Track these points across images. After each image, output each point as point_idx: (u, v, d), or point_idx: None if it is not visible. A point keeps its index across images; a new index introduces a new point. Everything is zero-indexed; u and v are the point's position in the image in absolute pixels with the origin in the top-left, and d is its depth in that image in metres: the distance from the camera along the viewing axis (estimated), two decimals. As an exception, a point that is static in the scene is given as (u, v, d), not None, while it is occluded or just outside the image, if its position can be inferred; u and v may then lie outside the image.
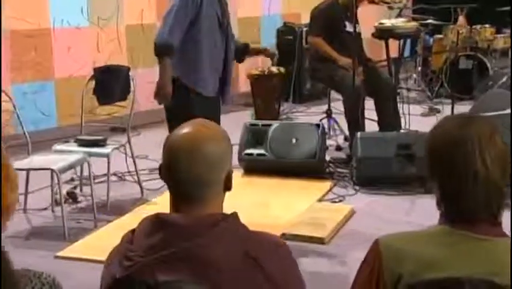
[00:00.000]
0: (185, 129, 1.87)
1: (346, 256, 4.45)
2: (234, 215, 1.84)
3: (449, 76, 9.25)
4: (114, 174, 5.99)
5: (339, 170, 6.21)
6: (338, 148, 6.91)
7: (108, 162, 5.26)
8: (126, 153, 5.63)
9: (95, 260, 4.33)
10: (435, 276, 1.73)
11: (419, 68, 10.11)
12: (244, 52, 4.84)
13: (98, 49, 8.30)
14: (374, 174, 5.72)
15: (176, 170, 1.82)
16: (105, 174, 5.73)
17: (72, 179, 5.95)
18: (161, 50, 4.27)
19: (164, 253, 1.74)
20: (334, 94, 9.79)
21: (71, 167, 5.00)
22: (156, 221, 1.82)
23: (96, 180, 5.86)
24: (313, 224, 4.84)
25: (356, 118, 6.23)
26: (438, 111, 8.62)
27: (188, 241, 1.74)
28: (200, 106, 4.40)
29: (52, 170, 4.77)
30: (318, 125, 6.16)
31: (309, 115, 8.69)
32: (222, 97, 4.60)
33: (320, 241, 4.64)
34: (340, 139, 7.17)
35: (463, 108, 6.64)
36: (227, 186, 1.89)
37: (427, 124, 7.00)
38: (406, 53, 8.49)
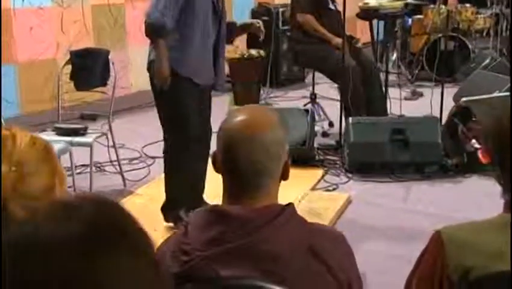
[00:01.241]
0: (241, 116, 1.87)
1: (360, 242, 4.50)
2: (292, 206, 1.86)
3: (429, 58, 9.36)
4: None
5: (328, 157, 6.26)
6: (325, 134, 6.96)
7: (91, 152, 5.22)
8: (108, 143, 5.58)
9: None
10: (502, 268, 1.75)
11: (395, 52, 10.21)
12: (231, 32, 4.82)
13: (62, 30, 8.21)
14: (367, 161, 5.79)
15: (234, 159, 1.82)
16: (84, 165, 5.70)
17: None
18: (153, 31, 4.25)
19: (225, 247, 1.75)
20: (310, 79, 9.93)
21: (53, 157, 4.93)
22: (214, 214, 1.82)
23: (78, 171, 5.85)
24: (310, 214, 4.85)
25: (358, 101, 6.26)
26: (421, 94, 8.73)
27: (250, 235, 1.75)
28: (193, 95, 4.40)
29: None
30: (307, 110, 6.19)
31: (288, 100, 8.73)
32: (214, 83, 4.60)
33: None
34: (325, 125, 7.22)
35: (445, 90, 6.69)
36: (284, 176, 1.91)
37: (411, 109, 7.13)
38: (380, 36, 8.57)
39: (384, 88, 6.86)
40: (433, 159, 5.75)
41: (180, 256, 1.80)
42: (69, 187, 5.39)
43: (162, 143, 6.74)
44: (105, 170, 5.87)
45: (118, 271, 0.91)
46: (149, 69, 4.48)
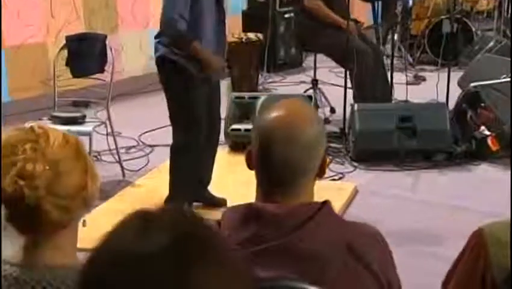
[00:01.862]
0: (278, 112, 1.86)
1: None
2: (328, 204, 1.87)
3: (432, 41, 9.38)
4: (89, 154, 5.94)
5: (332, 144, 6.28)
6: (327, 121, 6.97)
7: (90, 141, 5.21)
8: (107, 131, 5.58)
9: (85, 249, 4.34)
10: None
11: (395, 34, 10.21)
12: None
13: (52, 14, 8.18)
14: (373, 149, 5.81)
15: (271, 156, 1.83)
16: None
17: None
18: (176, 42, 4.38)
19: (262, 247, 1.76)
20: (308, 63, 9.93)
21: (52, 147, 4.94)
22: (249, 212, 1.83)
23: None
24: None
25: (373, 87, 6.26)
26: (424, 79, 8.75)
27: (287, 234, 1.77)
28: (202, 90, 4.49)
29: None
30: (310, 97, 6.21)
31: (287, 85, 8.73)
32: None
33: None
34: (326, 112, 7.23)
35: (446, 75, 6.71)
36: (321, 173, 1.92)
37: (415, 94, 7.12)
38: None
39: (388, 73, 6.88)
40: (442, 147, 5.78)
41: None
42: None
43: (159, 131, 6.86)
44: (102, 160, 5.86)
45: (208, 283, 0.93)
46: (157, 64, 4.57)
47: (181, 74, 4.42)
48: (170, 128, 6.85)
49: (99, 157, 5.98)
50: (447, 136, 5.77)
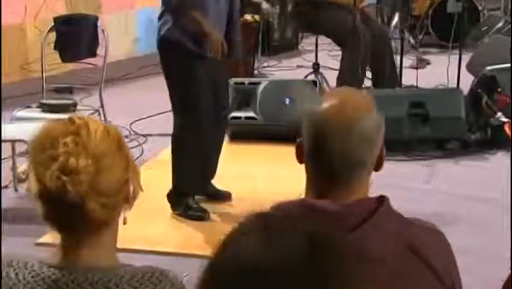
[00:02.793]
0: (334, 101, 1.83)
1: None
2: (386, 200, 1.85)
3: (435, 22, 9.39)
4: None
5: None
6: (330, 107, 6.97)
7: (84, 131, 5.17)
8: (100, 120, 5.53)
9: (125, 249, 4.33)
10: None
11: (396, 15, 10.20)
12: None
13: (29, -7, 8.15)
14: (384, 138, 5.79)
15: (326, 149, 1.79)
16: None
17: (27, 151, 5.83)
18: (175, 11, 4.39)
19: None
20: (304, 46, 9.93)
21: (43, 137, 4.91)
22: (303, 209, 1.81)
23: None
24: None
25: (363, 71, 6.27)
26: (428, 63, 8.76)
27: (346, 233, 1.75)
28: (207, 74, 4.47)
29: (25, 142, 4.68)
30: (315, 82, 6.19)
31: (283, 69, 8.72)
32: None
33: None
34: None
35: (454, 57, 6.70)
36: (378, 166, 1.90)
37: (420, 78, 7.04)
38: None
39: (395, 57, 6.88)
40: (456, 135, 5.79)
41: None
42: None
43: (151, 119, 6.84)
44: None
45: None
46: (158, 47, 4.56)
47: (183, 56, 4.41)
48: (163, 116, 6.94)
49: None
50: (461, 123, 5.78)
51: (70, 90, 7.38)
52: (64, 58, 5.63)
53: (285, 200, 1.89)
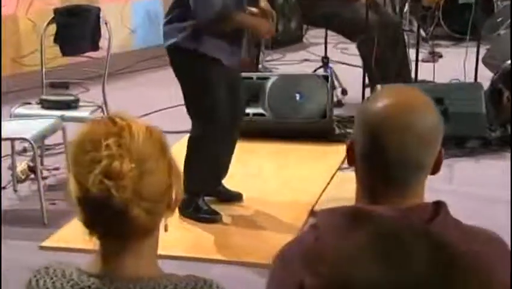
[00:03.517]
0: (390, 99, 1.80)
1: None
2: (444, 205, 1.82)
3: (447, 13, 9.38)
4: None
5: (350, 130, 6.24)
6: (339, 103, 6.96)
7: (86, 129, 5.14)
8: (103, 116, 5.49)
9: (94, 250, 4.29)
10: None
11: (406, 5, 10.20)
12: None
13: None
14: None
15: (382, 150, 1.75)
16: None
17: (25, 150, 5.81)
18: (214, 23, 4.35)
19: None
20: (309, 38, 9.91)
21: (45, 135, 4.90)
22: (357, 215, 1.78)
23: (56, 151, 5.80)
24: (348, 201, 4.81)
25: (384, 65, 6.26)
26: (440, 56, 8.74)
27: None
28: (221, 77, 4.49)
29: (26, 140, 4.67)
30: (326, 77, 6.17)
31: (288, 64, 8.70)
32: None
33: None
34: (338, 93, 7.20)
35: (468, 50, 6.67)
36: (436, 169, 1.86)
37: (431, 73, 7.01)
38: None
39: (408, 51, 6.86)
40: (477, 132, 5.77)
41: (317, 266, 1.75)
42: (52, 169, 5.38)
43: (153, 116, 6.80)
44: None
45: None
46: (171, 52, 4.55)
47: (201, 62, 4.42)
48: (166, 113, 6.92)
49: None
50: (482, 120, 5.77)
51: (66, 85, 7.34)
52: (65, 52, 5.60)
53: (333, 207, 1.86)
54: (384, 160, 1.78)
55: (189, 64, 4.46)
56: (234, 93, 4.66)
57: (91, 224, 1.69)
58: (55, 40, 5.58)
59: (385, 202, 1.79)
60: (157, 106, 7.01)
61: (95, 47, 5.61)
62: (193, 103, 4.56)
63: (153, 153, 1.68)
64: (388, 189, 1.80)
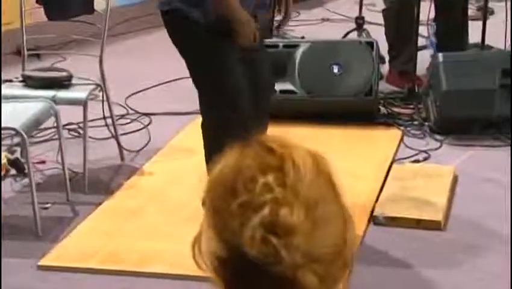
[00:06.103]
0: None
1: (480, 246, 4.36)
2: None
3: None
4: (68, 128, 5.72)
5: (396, 109, 6.11)
6: (380, 76, 6.77)
7: (85, 113, 4.93)
8: (102, 96, 5.23)
9: (104, 270, 4.17)
10: None
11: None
12: None
13: None
14: (467, 117, 5.61)
15: None
16: (52, 128, 5.41)
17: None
18: None
19: None
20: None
21: (38, 123, 4.66)
22: None
23: (41, 139, 5.64)
24: (412, 201, 4.70)
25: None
26: (492, 12, 8.57)
27: None
28: (235, 51, 4.27)
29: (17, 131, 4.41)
30: (371, 43, 5.96)
31: (306, 24, 8.52)
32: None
33: (435, 225, 4.49)
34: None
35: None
36: None
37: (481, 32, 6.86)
38: None
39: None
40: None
41: None
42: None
43: (151, 92, 6.57)
44: (91, 137, 5.52)
45: None
46: (168, 21, 4.35)
47: (206, 34, 4.21)
48: (165, 88, 6.68)
49: (79, 132, 5.67)
50: None
51: (37, 54, 7.03)
52: (51, 16, 5.34)
53: None
54: None
55: (191, 33, 4.27)
56: (253, 67, 4.44)
57: None
58: (37, 1, 5.34)
59: None
60: (154, 79, 6.78)
61: (90, 9, 5.37)
62: (200, 83, 4.38)
63: (326, 196, 1.42)
64: None
